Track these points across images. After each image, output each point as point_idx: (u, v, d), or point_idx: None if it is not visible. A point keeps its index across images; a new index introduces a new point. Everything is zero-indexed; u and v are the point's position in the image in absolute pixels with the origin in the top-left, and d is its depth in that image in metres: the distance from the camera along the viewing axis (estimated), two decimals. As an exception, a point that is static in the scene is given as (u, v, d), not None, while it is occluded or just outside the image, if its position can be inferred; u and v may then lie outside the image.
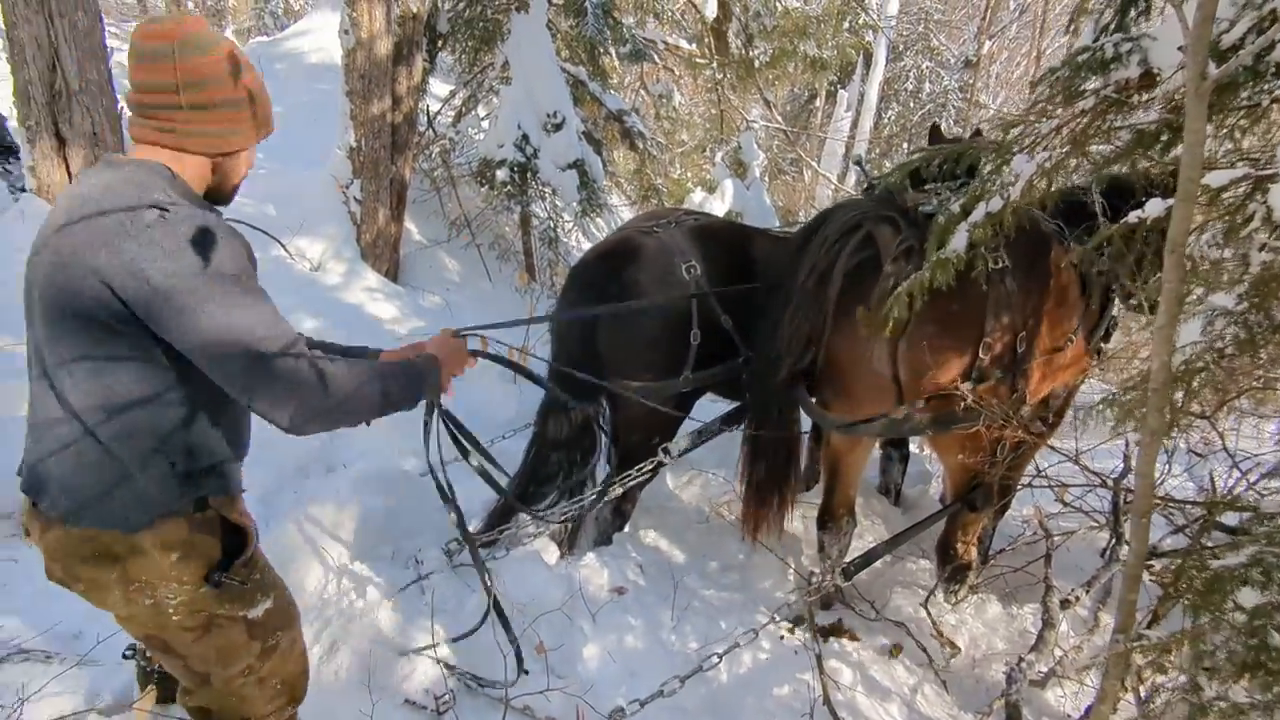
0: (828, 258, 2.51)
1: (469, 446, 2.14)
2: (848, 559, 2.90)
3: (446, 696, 2.27)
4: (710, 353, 2.93)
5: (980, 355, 2.49)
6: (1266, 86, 1.71)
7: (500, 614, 2.26)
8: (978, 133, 3.55)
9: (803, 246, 2.59)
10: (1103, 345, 3.17)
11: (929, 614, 2.89)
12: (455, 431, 2.12)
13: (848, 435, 2.81)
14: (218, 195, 1.57)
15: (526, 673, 2.29)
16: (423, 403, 1.80)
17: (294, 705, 1.81)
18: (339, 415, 1.47)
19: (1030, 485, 2.98)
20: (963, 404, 2.48)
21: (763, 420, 2.73)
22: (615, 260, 2.96)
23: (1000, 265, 2.37)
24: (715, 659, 2.39)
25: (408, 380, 1.62)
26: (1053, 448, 2.71)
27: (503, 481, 2.33)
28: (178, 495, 1.47)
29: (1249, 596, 1.55)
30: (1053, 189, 2.08)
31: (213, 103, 1.44)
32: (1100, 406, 2.15)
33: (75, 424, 1.40)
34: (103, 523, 1.43)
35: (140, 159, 1.46)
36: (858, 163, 4.25)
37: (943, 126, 3.90)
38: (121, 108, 4.27)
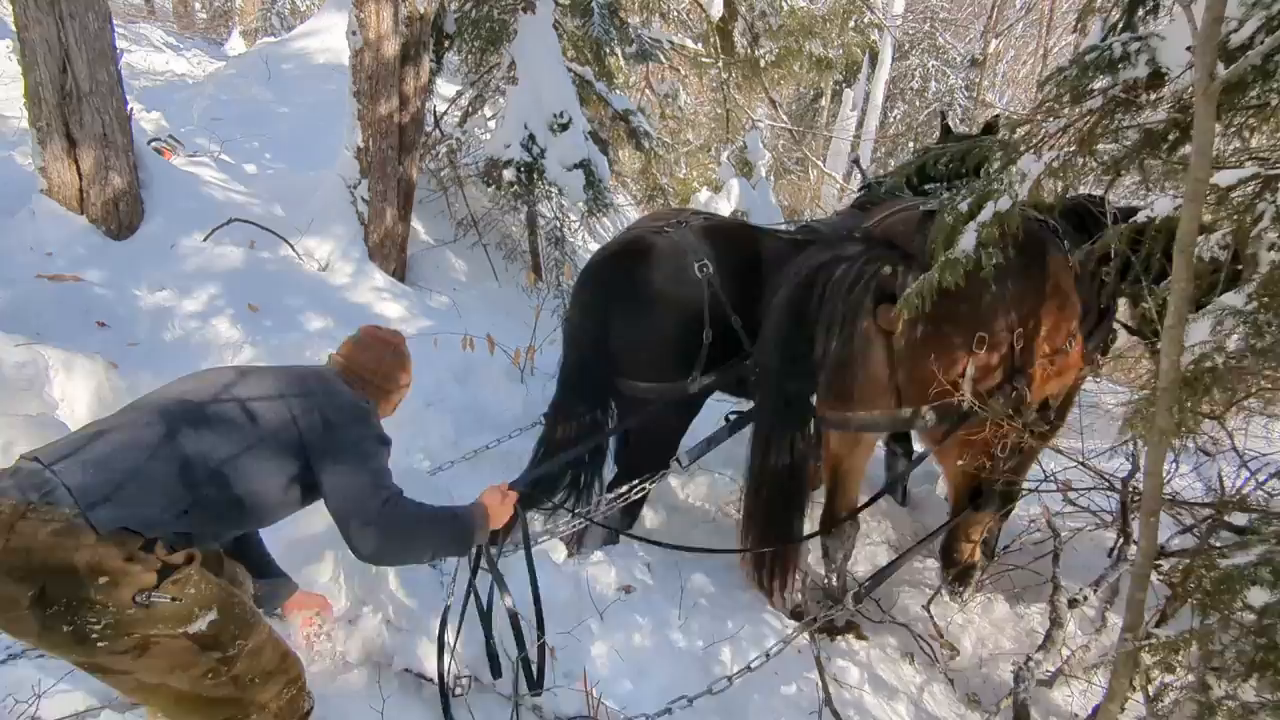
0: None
1: (500, 594, 2.33)
2: (852, 564, 2.89)
3: (459, 688, 2.28)
4: (720, 352, 2.93)
5: (977, 357, 2.49)
6: (1275, 86, 1.71)
7: (516, 629, 2.30)
8: (990, 127, 3.55)
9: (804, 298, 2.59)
10: (1101, 352, 3.17)
11: (930, 616, 2.89)
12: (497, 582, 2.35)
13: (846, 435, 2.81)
14: None
15: (539, 691, 2.30)
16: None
17: (294, 685, 1.84)
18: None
19: (1038, 490, 2.97)
20: (961, 405, 2.48)
21: (770, 429, 2.71)
22: (628, 259, 2.97)
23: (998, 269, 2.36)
24: (725, 681, 2.38)
25: (465, 528, 1.98)
26: (1059, 451, 2.71)
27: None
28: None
29: (1258, 596, 1.55)
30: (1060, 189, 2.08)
31: None
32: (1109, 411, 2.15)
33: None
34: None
35: None
36: (856, 163, 4.28)
37: (950, 124, 3.91)
38: (130, 108, 4.30)
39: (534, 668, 2.28)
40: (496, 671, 2.28)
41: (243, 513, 1.79)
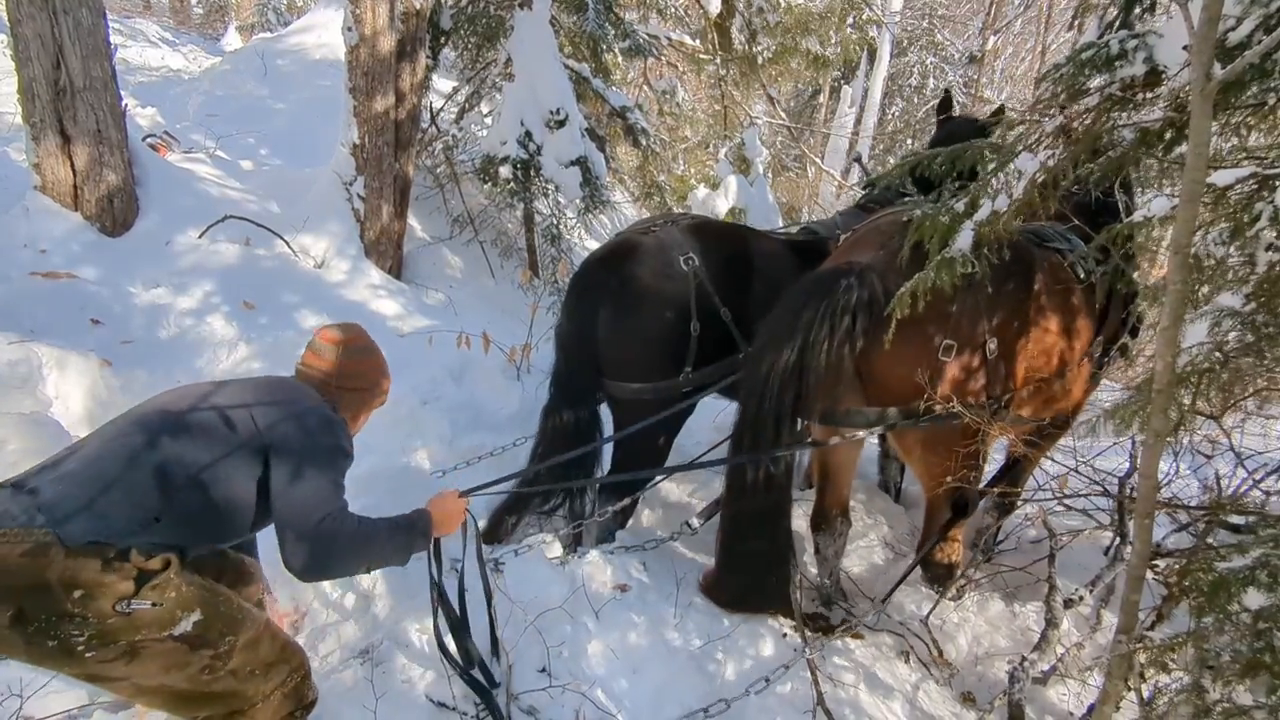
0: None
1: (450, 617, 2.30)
2: (848, 564, 2.88)
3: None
4: (712, 349, 2.92)
5: (944, 362, 2.47)
6: (1273, 85, 1.70)
7: (493, 631, 2.35)
8: (1000, 110, 3.53)
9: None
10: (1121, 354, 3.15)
11: (927, 629, 2.88)
12: (441, 601, 2.29)
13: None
14: None
15: (498, 685, 2.31)
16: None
17: (297, 674, 1.88)
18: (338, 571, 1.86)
19: (1031, 499, 2.97)
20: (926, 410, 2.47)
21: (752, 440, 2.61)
22: (614, 260, 2.97)
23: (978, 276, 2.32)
24: (723, 704, 2.37)
25: (405, 540, 1.94)
26: (1051, 459, 2.70)
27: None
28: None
29: (1254, 598, 1.55)
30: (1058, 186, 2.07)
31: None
32: (1101, 418, 2.15)
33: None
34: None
35: None
36: (858, 160, 4.26)
37: (954, 101, 3.87)
38: (125, 104, 4.28)
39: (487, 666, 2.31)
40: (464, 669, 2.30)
41: (217, 521, 1.79)
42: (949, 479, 2.59)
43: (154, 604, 1.61)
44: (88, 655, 1.57)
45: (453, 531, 2.15)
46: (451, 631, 2.29)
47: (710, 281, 2.90)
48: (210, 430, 1.78)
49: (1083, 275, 2.78)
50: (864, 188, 3.94)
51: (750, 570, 2.74)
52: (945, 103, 3.72)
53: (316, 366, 2.05)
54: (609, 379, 3.00)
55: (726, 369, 2.96)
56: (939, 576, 3.01)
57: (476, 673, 2.28)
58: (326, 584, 2.61)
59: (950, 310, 2.43)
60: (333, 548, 1.76)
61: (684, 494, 3.82)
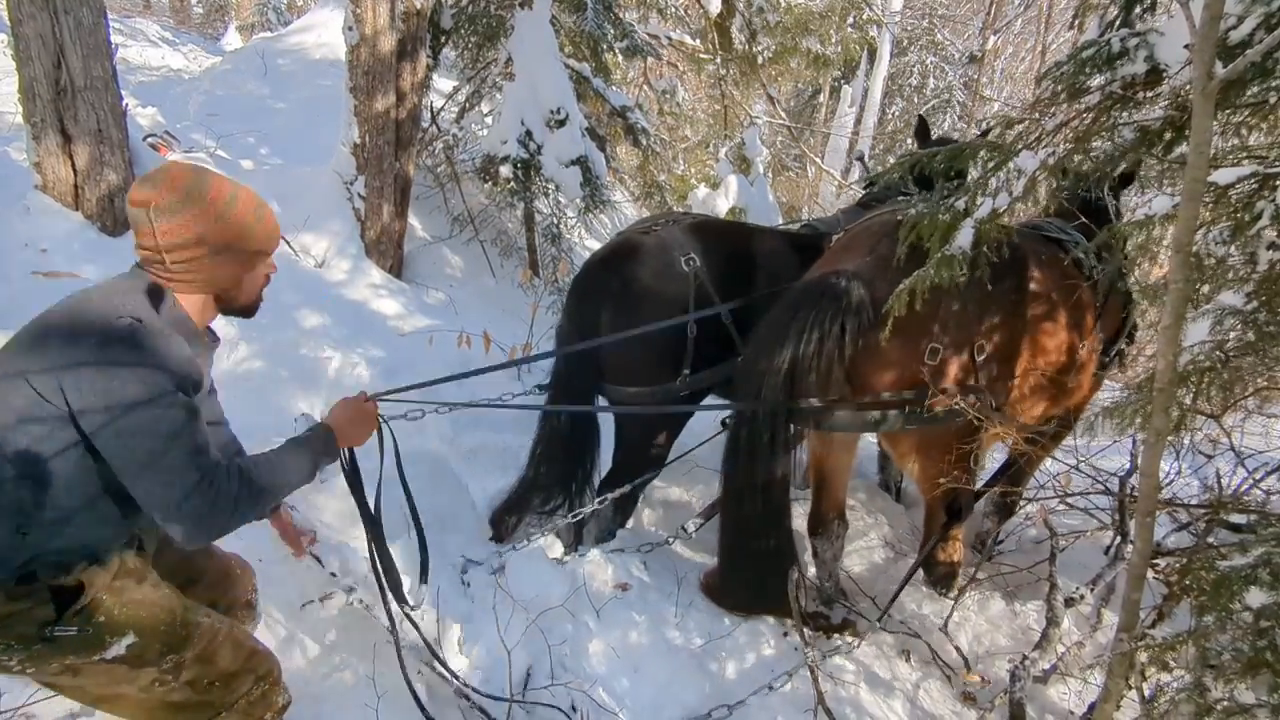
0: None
1: (366, 520, 2.07)
2: (848, 563, 2.88)
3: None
4: (712, 351, 2.92)
5: (928, 362, 2.47)
6: (1275, 84, 1.70)
7: (424, 553, 2.19)
8: (985, 134, 3.54)
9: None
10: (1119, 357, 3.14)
11: (947, 637, 2.87)
12: (358, 497, 2.06)
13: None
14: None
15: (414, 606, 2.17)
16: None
17: (265, 681, 1.76)
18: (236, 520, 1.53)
19: (1033, 500, 2.97)
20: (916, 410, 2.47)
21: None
22: (614, 261, 2.96)
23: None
24: (725, 709, 2.36)
25: (304, 465, 1.70)
26: (1054, 458, 2.69)
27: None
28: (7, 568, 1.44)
29: (1256, 597, 1.55)
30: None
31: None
32: (1101, 416, 2.15)
33: None
34: None
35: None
36: (860, 159, 4.25)
37: (947, 123, 3.88)
38: (126, 104, 4.28)
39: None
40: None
41: (87, 513, 1.48)
42: (943, 482, 2.59)
43: (79, 629, 1.47)
44: (29, 672, 1.50)
45: (363, 441, 1.92)
46: (381, 558, 2.08)
47: (711, 282, 2.89)
48: (29, 405, 1.40)
49: (1079, 271, 2.78)
50: (865, 186, 3.94)
51: (752, 571, 2.74)
52: (922, 130, 3.66)
53: (141, 245, 1.54)
54: (609, 383, 2.99)
55: (725, 372, 2.95)
56: (942, 577, 3.02)
57: (409, 608, 2.14)
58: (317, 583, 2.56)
59: (938, 313, 2.43)
60: (212, 518, 1.46)
61: (684, 494, 3.82)
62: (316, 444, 1.76)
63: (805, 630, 2.63)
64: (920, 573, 3.01)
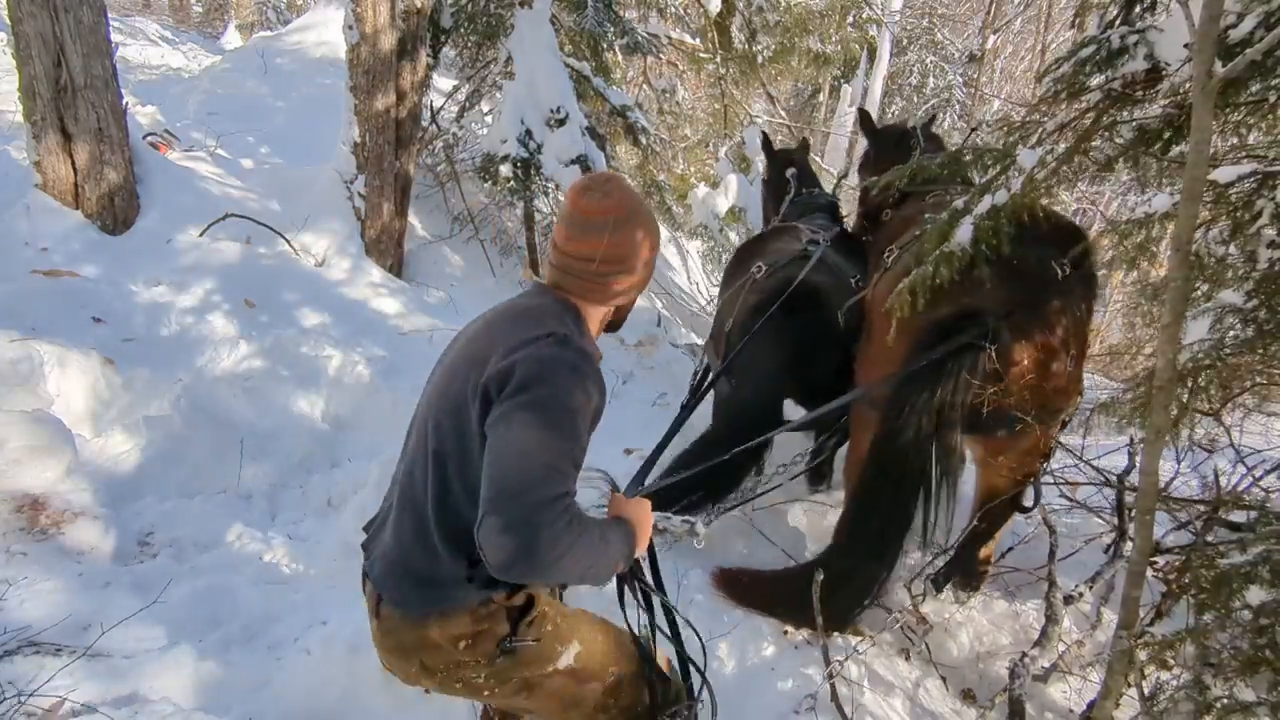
0: None
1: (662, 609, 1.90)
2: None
3: None
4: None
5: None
6: (1275, 82, 1.71)
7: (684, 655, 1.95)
8: (932, 119, 3.63)
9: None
10: None
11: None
12: (647, 599, 1.87)
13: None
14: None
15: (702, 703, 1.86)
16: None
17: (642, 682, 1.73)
18: (548, 576, 1.38)
19: (1031, 509, 2.97)
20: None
21: None
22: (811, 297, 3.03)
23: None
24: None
25: (619, 555, 1.50)
26: (1062, 444, 2.68)
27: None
28: (469, 592, 1.50)
29: (1256, 594, 1.55)
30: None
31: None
32: (1097, 411, 2.15)
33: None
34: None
35: None
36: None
37: (947, 122, 3.91)
38: (126, 103, 4.28)
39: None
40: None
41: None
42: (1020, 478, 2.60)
43: (534, 640, 1.54)
44: (496, 691, 1.57)
45: (645, 549, 1.71)
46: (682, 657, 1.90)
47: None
48: (460, 416, 1.45)
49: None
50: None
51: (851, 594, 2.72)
52: (865, 122, 3.80)
53: (574, 255, 1.58)
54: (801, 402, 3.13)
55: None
56: (977, 575, 3.00)
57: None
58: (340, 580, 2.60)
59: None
60: (557, 546, 1.29)
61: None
62: (629, 542, 1.54)
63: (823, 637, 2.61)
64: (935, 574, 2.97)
